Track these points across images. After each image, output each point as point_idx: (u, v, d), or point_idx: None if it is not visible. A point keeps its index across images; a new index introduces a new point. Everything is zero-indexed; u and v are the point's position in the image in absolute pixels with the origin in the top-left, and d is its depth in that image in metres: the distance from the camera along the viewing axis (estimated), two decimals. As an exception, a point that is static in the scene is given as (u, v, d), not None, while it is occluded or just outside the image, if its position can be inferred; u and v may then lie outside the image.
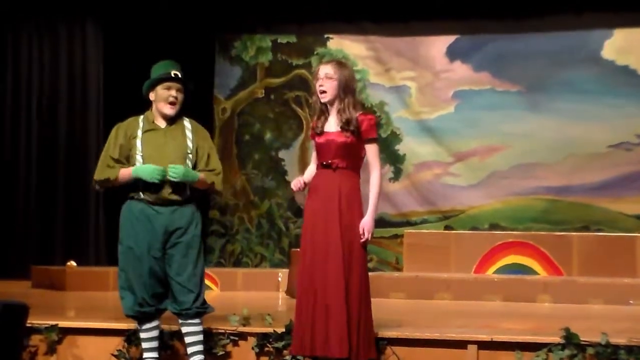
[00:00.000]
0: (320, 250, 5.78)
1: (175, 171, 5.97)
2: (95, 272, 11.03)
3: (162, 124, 6.16)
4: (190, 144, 6.15)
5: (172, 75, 6.10)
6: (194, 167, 6.14)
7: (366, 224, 5.84)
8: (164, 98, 6.08)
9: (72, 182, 12.43)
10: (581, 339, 6.12)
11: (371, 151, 5.92)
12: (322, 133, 5.92)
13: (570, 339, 6.12)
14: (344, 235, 5.77)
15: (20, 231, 12.35)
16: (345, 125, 5.83)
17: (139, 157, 6.06)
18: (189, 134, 6.18)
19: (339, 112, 5.87)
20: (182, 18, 12.66)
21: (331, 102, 5.90)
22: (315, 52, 13.25)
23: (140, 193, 6.05)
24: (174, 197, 6.05)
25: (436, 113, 12.87)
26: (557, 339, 6.15)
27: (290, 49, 13.37)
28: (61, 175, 12.50)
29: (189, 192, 6.14)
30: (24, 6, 12.48)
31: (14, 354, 6.20)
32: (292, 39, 13.36)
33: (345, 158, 5.86)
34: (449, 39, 12.85)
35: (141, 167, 6.01)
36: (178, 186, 6.05)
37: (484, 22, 12.60)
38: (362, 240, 5.82)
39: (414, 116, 12.89)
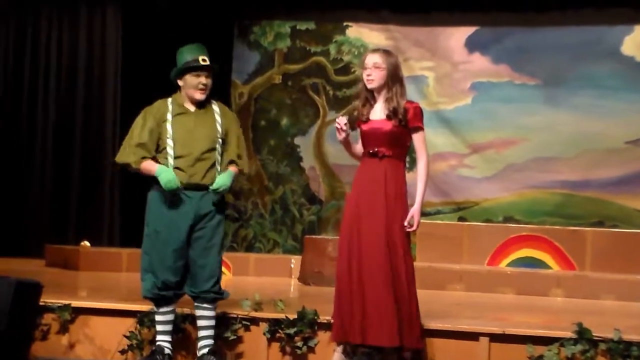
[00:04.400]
0: (365, 239, 5.78)
1: (221, 188, 6.09)
2: (109, 252, 11.06)
3: (191, 107, 6.18)
4: (219, 128, 6.18)
5: (201, 63, 6.10)
6: (222, 150, 6.17)
7: (416, 212, 5.90)
8: (193, 85, 6.11)
9: (88, 163, 12.46)
10: (594, 334, 6.11)
11: (418, 139, 5.96)
12: (367, 121, 5.93)
13: (582, 334, 6.11)
14: (390, 224, 5.79)
15: (35, 210, 12.40)
16: (392, 114, 5.84)
17: (169, 141, 6.07)
18: (218, 117, 6.21)
19: (386, 100, 5.89)
20: (202, 2, 12.64)
21: (378, 90, 5.92)
22: (334, 40, 13.23)
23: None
24: (205, 182, 6.06)
25: (453, 104, 12.84)
26: (569, 334, 6.14)
27: (309, 35, 13.35)
28: (77, 155, 12.53)
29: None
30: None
31: (27, 331, 6.24)
32: (311, 25, 13.33)
33: (392, 146, 5.88)
34: (469, 30, 12.80)
35: (164, 172, 6.01)
36: (209, 172, 6.06)
37: (504, 14, 12.55)
38: (412, 229, 5.88)
39: (431, 106, 12.84)
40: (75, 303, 6.94)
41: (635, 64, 12.24)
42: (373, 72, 5.88)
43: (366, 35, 13.11)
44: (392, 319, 5.67)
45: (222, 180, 6.09)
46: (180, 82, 6.17)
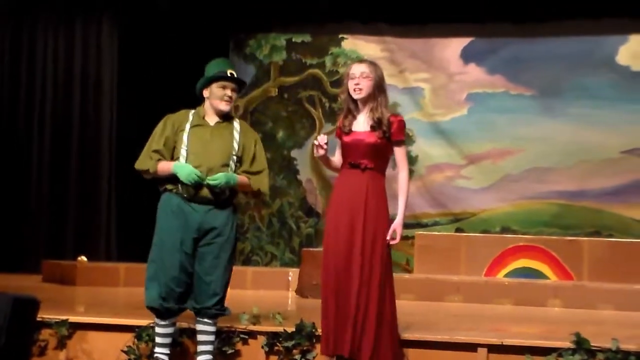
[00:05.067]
0: (344, 252, 5.74)
1: (216, 181, 5.97)
2: (106, 267, 11.04)
3: (211, 121, 6.16)
4: (236, 145, 6.14)
5: (229, 75, 6.11)
6: (236, 168, 6.13)
7: (398, 226, 5.85)
8: (219, 96, 6.10)
9: (84, 177, 12.45)
10: (592, 344, 6.10)
11: (400, 152, 5.93)
12: (350, 132, 5.89)
13: (580, 344, 6.10)
14: (370, 237, 5.75)
15: (32, 225, 12.38)
16: (377, 125, 5.81)
17: (183, 151, 6.05)
18: (236, 134, 6.17)
19: (371, 110, 5.86)
20: (197, 16, 12.67)
21: (364, 101, 5.88)
22: (329, 52, 13.26)
23: (179, 186, 6.03)
24: (211, 196, 6.04)
25: (449, 115, 12.87)
26: (567, 344, 6.13)
27: (305, 48, 13.37)
28: (73, 170, 12.52)
29: (227, 193, 6.12)
30: (40, 1, 12.52)
31: (25, 347, 6.22)
32: (307, 38, 13.37)
33: (374, 159, 5.84)
34: (464, 42, 12.84)
35: (181, 166, 6.00)
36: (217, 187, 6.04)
37: (499, 25, 12.59)
38: (394, 242, 5.84)
39: (427, 118, 12.89)
40: (73, 318, 6.91)
41: (630, 74, 12.27)
42: (361, 81, 5.84)
43: (362, 47, 13.14)
44: (371, 334, 5.65)
45: (220, 175, 6.01)
46: (205, 93, 6.17)
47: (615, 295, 9.82)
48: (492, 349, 6.29)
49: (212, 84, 6.13)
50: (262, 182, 6.25)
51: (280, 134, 13.36)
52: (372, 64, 5.98)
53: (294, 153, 13.28)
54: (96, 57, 12.71)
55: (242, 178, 6.14)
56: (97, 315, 7.13)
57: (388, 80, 12.90)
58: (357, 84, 5.85)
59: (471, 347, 6.33)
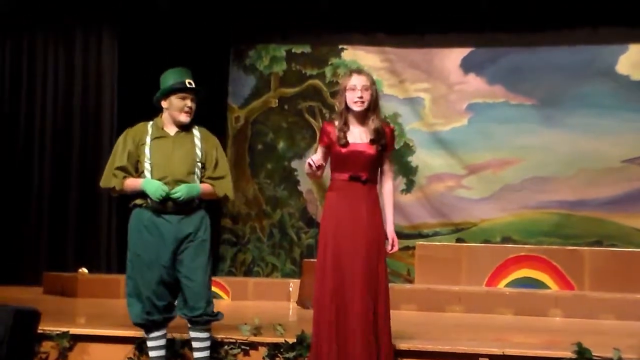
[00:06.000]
0: (346, 264, 5.72)
1: (177, 194, 5.95)
2: (107, 279, 11.04)
3: (171, 131, 6.14)
4: (199, 152, 6.12)
5: (187, 85, 6.09)
6: (202, 175, 6.12)
7: (394, 234, 5.88)
8: (179, 107, 6.07)
9: (84, 190, 12.43)
10: (593, 354, 6.10)
11: (390, 162, 5.95)
12: (346, 144, 5.84)
13: (582, 353, 6.10)
14: (374, 250, 5.75)
15: (33, 238, 12.37)
16: (376, 136, 5.80)
17: (147, 165, 6.04)
18: (197, 142, 6.14)
19: (371, 121, 5.84)
20: (198, 27, 12.67)
21: (363, 112, 5.85)
22: (329, 63, 13.27)
23: (149, 201, 6.02)
24: (181, 207, 6.03)
25: (449, 125, 12.86)
26: (568, 354, 6.13)
27: (305, 59, 13.38)
28: (74, 182, 12.51)
29: (197, 201, 6.11)
30: (40, 12, 12.52)
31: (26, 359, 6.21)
32: (307, 49, 13.37)
33: (372, 170, 5.86)
34: (464, 52, 12.84)
35: (148, 183, 5.99)
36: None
37: (499, 35, 12.58)
38: (394, 251, 5.86)
39: (427, 128, 12.89)
40: (74, 330, 6.92)
41: (630, 83, 12.27)
42: (364, 94, 5.82)
43: (362, 57, 13.14)
44: (371, 346, 5.62)
45: (181, 188, 5.96)
46: (164, 104, 6.12)
47: (617, 305, 9.81)
48: (494, 359, 6.29)
49: (171, 95, 6.09)
50: (227, 187, 6.21)
51: (281, 145, 13.37)
52: (369, 74, 5.98)
53: (294, 164, 13.27)
54: (96, 72, 12.68)
55: (205, 186, 6.12)
56: (98, 327, 7.14)
57: (388, 91, 13.15)
58: (360, 97, 5.82)
59: (472, 358, 6.33)
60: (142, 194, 6.02)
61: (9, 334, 5.86)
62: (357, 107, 5.83)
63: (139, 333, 6.66)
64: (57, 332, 6.84)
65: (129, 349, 6.72)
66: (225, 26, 13.11)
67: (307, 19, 12.76)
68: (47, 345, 6.84)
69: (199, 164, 6.12)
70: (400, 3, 12.47)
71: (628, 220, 12.11)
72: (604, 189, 12.21)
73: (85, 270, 11.17)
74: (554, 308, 9.97)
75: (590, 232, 12.18)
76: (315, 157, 5.81)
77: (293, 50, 13.41)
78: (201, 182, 6.12)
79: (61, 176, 12.50)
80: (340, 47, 13.28)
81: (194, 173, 6.07)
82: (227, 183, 6.22)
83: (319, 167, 5.80)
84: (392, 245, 5.87)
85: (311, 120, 13.28)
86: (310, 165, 5.75)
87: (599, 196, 12.23)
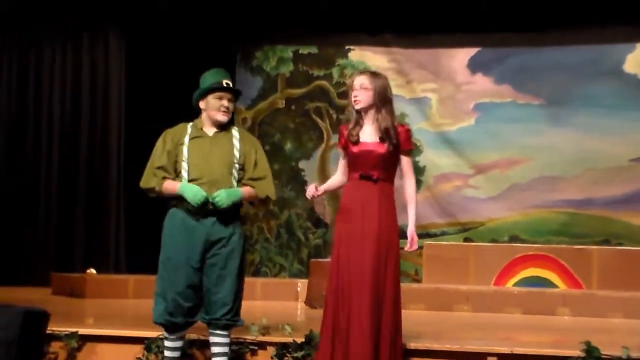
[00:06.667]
0: (356, 265, 5.70)
1: (217, 199, 5.90)
2: (115, 279, 11.06)
3: (210, 131, 6.12)
4: (237, 153, 6.09)
5: (225, 85, 6.10)
6: (241, 176, 6.10)
7: (414, 233, 5.90)
8: (215, 107, 6.05)
9: (93, 190, 12.47)
10: (602, 352, 6.08)
11: (408, 162, 5.96)
12: (357, 143, 5.87)
13: (590, 352, 6.08)
14: (384, 249, 5.74)
15: (41, 238, 12.41)
16: (385, 135, 5.81)
17: (184, 165, 6.02)
18: (236, 142, 6.12)
19: (377, 120, 5.85)
20: (205, 29, 12.69)
21: (366, 111, 5.87)
22: (336, 64, 13.28)
23: (187, 205, 5.97)
24: (219, 210, 5.98)
25: (457, 125, 12.87)
26: (577, 352, 6.12)
27: (312, 59, 13.40)
28: (82, 183, 12.54)
29: (232, 206, 6.05)
30: (47, 17, 12.55)
31: (35, 360, 6.23)
32: (314, 50, 13.39)
33: (384, 169, 5.84)
34: (471, 52, 12.85)
35: (187, 187, 5.93)
36: None
37: (506, 35, 12.59)
38: (413, 249, 5.89)
39: (434, 128, 12.90)
40: (82, 331, 6.92)
41: (637, 82, 12.27)
42: (359, 93, 5.84)
43: (369, 58, 13.16)
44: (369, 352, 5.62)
45: (222, 195, 5.93)
46: (202, 105, 6.12)
47: (625, 303, 9.81)
48: (502, 358, 6.27)
49: (208, 95, 6.09)
50: (268, 188, 6.19)
51: (288, 146, 13.38)
52: (374, 74, 5.97)
53: (301, 164, 13.29)
54: (104, 74, 12.72)
55: (246, 189, 6.09)
56: (106, 327, 7.14)
57: (395, 91, 12.98)
58: (356, 96, 5.86)
59: (481, 357, 6.31)
60: (180, 198, 5.99)
61: (18, 334, 5.86)
62: (356, 106, 5.89)
63: (148, 333, 6.68)
64: (66, 333, 6.85)
65: (137, 349, 6.72)
66: (232, 28, 13.13)
67: (314, 19, 12.76)
68: (56, 346, 6.85)
69: (237, 165, 6.08)
70: (407, 3, 12.48)
71: (636, 219, 12.11)
72: (611, 187, 12.21)
73: (93, 270, 11.18)
74: (562, 307, 9.97)
75: (598, 231, 12.18)
76: (321, 187, 5.93)
77: (300, 51, 13.42)
78: (241, 184, 6.10)
79: (69, 177, 12.53)
80: (347, 47, 13.30)
81: (231, 174, 6.05)
82: (268, 184, 6.19)
83: (320, 195, 5.91)
84: (411, 244, 5.88)
85: (318, 120, 13.29)
86: (312, 190, 5.86)
87: (606, 195, 12.23)
